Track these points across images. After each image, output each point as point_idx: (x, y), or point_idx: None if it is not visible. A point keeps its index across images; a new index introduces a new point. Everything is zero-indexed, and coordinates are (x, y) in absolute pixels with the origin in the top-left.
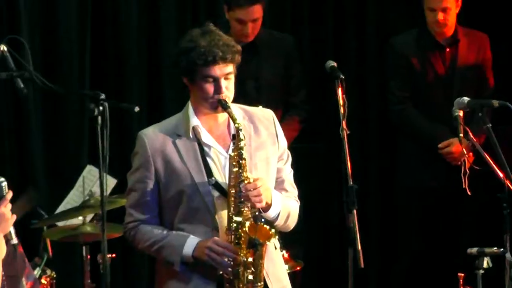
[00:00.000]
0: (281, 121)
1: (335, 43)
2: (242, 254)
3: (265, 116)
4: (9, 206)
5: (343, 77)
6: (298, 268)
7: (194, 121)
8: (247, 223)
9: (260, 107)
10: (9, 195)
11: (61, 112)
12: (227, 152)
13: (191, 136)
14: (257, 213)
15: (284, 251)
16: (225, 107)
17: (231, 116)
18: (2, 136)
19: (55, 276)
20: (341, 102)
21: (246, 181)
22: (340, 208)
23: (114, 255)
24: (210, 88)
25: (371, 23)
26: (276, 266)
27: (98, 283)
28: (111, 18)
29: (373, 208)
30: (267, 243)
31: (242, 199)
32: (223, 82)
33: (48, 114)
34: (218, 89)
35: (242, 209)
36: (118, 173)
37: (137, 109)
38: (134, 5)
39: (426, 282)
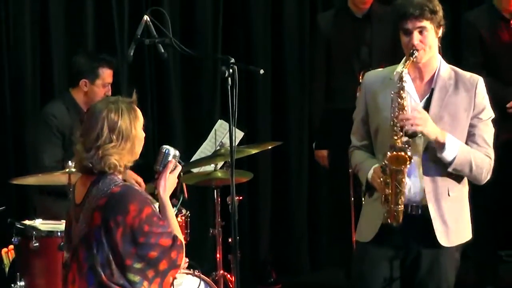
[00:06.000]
0: None
1: None
2: (388, 180)
3: (471, 81)
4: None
5: None
6: None
7: (401, 69)
8: (389, 153)
9: (470, 73)
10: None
11: (197, 73)
12: (420, 101)
13: (396, 80)
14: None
15: None
16: (411, 55)
17: (412, 62)
18: (146, 93)
19: (189, 215)
20: None
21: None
22: None
23: (241, 198)
24: (405, 39)
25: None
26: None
27: (227, 221)
28: None
29: None
30: (401, 168)
31: (398, 125)
32: (416, 35)
33: (185, 75)
34: (410, 40)
35: (395, 137)
36: (245, 127)
37: (262, 71)
38: None
39: (507, 205)
